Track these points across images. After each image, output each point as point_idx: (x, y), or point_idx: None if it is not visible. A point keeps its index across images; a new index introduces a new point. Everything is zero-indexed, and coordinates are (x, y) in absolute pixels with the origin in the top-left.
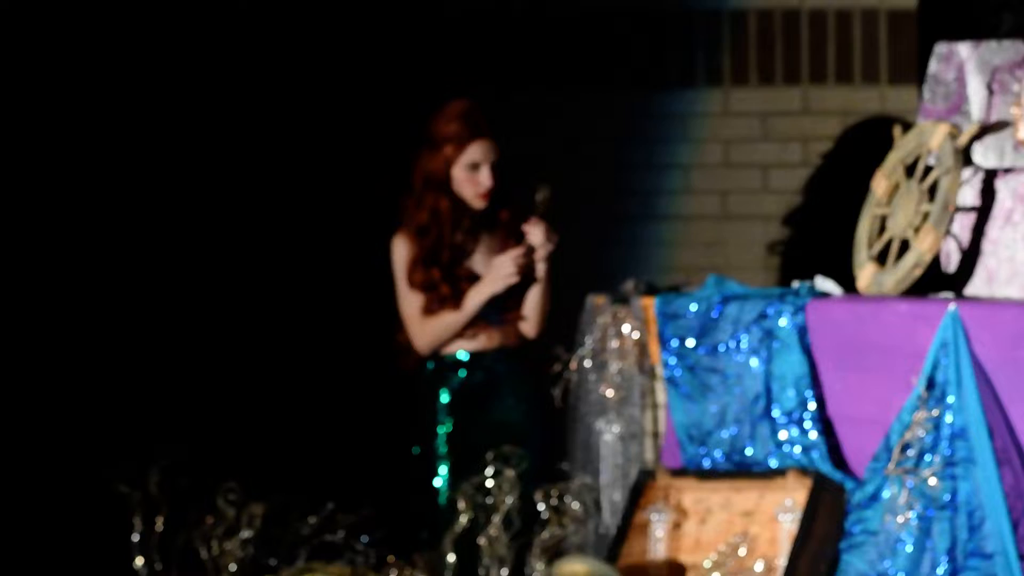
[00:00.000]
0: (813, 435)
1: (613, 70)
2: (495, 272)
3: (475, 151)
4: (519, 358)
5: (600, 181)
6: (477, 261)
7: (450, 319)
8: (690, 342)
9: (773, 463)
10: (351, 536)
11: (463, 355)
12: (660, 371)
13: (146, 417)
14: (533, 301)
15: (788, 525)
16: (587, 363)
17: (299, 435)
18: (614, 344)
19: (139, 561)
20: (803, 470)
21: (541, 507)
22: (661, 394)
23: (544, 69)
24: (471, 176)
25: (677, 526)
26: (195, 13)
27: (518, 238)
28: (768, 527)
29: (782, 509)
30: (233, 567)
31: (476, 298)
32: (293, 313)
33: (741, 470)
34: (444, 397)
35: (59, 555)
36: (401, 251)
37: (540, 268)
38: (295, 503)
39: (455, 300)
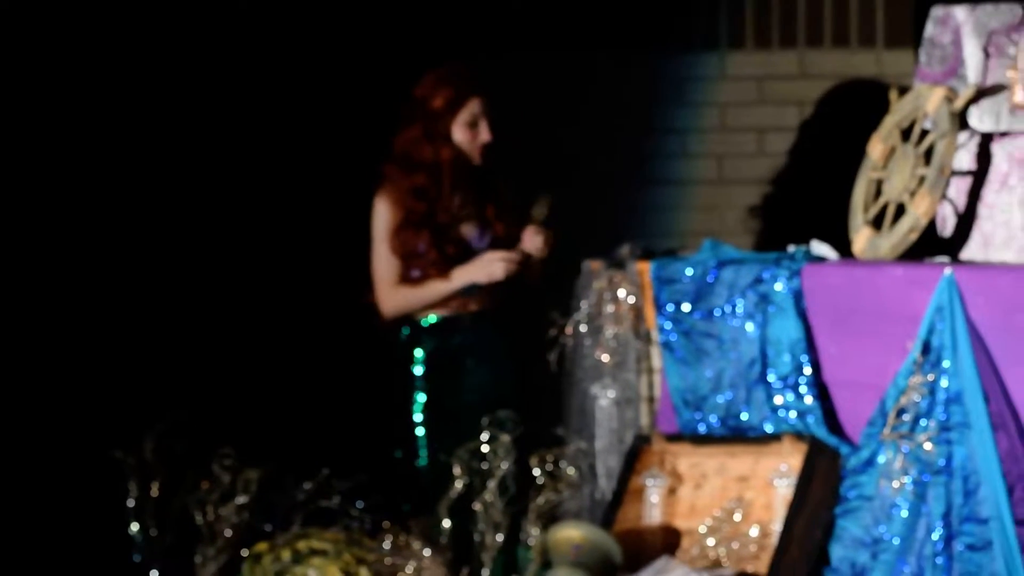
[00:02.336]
0: (808, 400)
1: (609, 33)
2: (484, 267)
3: (474, 106)
4: (493, 321)
5: (596, 145)
6: (467, 230)
7: (424, 292)
8: (686, 307)
9: (768, 428)
10: (346, 502)
11: (434, 319)
12: (656, 336)
13: (142, 383)
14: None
15: (783, 490)
16: (583, 328)
17: (294, 400)
18: (610, 309)
19: (135, 527)
20: (798, 435)
21: (536, 472)
22: (657, 359)
23: (540, 31)
24: (471, 132)
25: (672, 491)
26: (194, 13)
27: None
28: (763, 492)
29: (777, 474)
30: (228, 532)
31: (458, 281)
32: (285, 277)
33: (736, 435)
34: (418, 366)
35: (55, 521)
36: (383, 213)
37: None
38: (290, 469)
39: (439, 266)
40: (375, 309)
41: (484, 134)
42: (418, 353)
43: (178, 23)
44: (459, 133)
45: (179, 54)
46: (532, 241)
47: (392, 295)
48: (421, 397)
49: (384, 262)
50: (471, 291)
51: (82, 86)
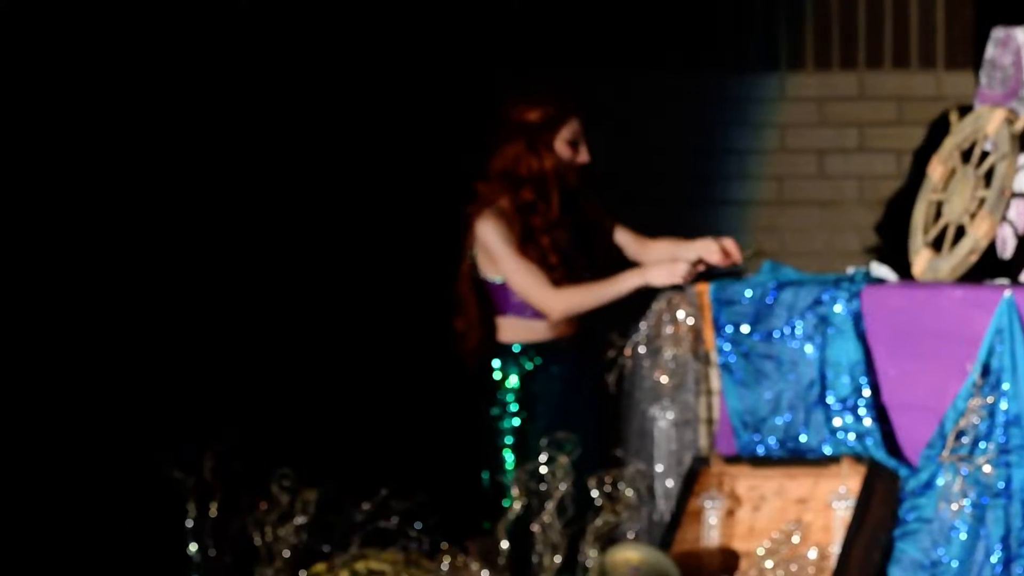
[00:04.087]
0: (867, 422)
1: (669, 53)
2: (668, 270)
3: (574, 125)
4: (579, 346)
5: (655, 166)
6: (566, 242)
7: (596, 292)
8: (745, 328)
9: (827, 450)
10: (405, 522)
11: (517, 347)
12: (714, 357)
13: (201, 403)
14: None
15: (842, 512)
16: (641, 349)
17: (353, 421)
18: (669, 330)
19: (193, 547)
20: (857, 457)
21: (595, 494)
22: (715, 380)
23: (600, 51)
24: (571, 151)
25: (731, 513)
26: (199, 12)
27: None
28: (822, 514)
29: (836, 496)
30: (286, 553)
31: (632, 282)
32: (349, 297)
33: (795, 457)
34: (510, 394)
35: (114, 541)
36: (499, 230)
37: None
38: (348, 489)
39: (561, 269)
40: (464, 334)
41: (583, 155)
42: (509, 381)
43: (179, 24)
44: (560, 151)
45: (182, 56)
46: (708, 248)
47: (557, 296)
48: (514, 421)
49: (526, 270)
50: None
51: (84, 91)
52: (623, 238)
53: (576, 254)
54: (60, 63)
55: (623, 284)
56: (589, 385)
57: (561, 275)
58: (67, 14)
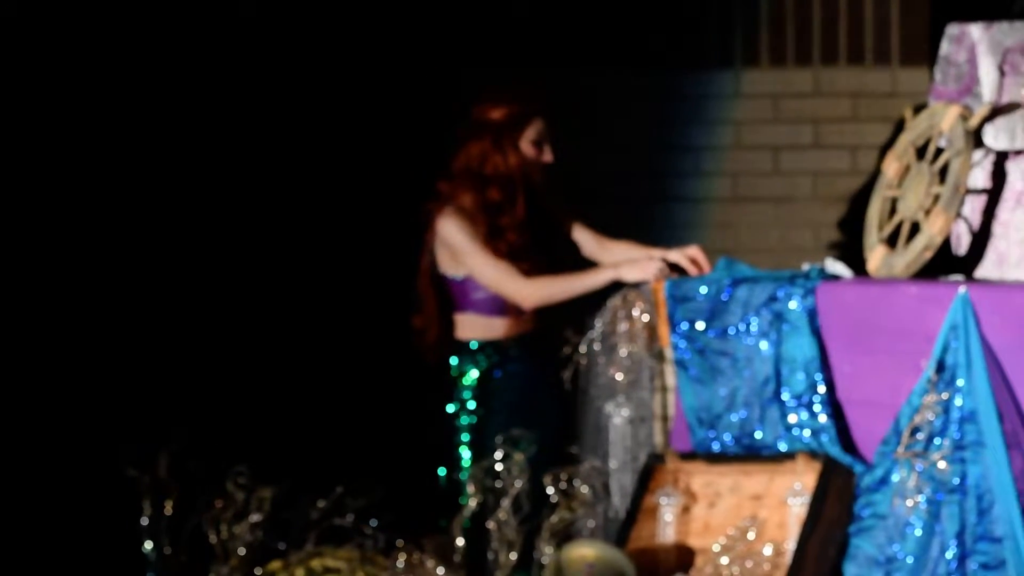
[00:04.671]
0: (823, 418)
1: (624, 51)
2: (641, 266)
3: (539, 125)
4: (537, 344)
5: (611, 162)
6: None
7: (569, 283)
8: (700, 325)
9: (782, 446)
10: (360, 520)
11: (475, 344)
12: (670, 354)
13: (155, 400)
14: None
15: (797, 509)
16: (596, 346)
17: (307, 418)
18: (624, 327)
19: (148, 545)
20: (812, 453)
21: (550, 491)
22: (671, 377)
23: (556, 49)
24: (536, 151)
25: (686, 510)
26: (200, 12)
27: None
28: (777, 511)
29: (791, 493)
30: (242, 551)
31: (605, 276)
32: (301, 295)
33: (750, 454)
34: (467, 391)
35: (68, 539)
36: (462, 227)
37: None
38: (304, 487)
39: (526, 267)
40: (423, 332)
41: (548, 154)
42: (470, 376)
43: (180, 24)
44: (526, 150)
45: (185, 58)
46: (682, 255)
47: (528, 285)
48: (468, 421)
49: (494, 264)
50: (512, 310)
51: (84, 91)
52: (581, 236)
53: (539, 252)
54: (63, 67)
55: (597, 278)
56: (547, 383)
57: (527, 272)
58: (71, 18)
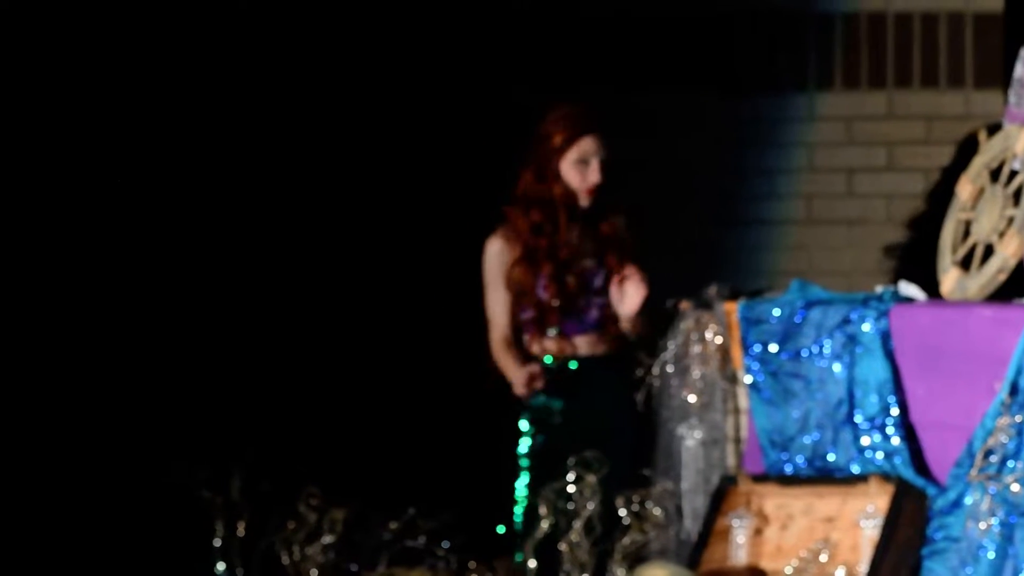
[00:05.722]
0: (896, 441)
1: (698, 74)
2: (518, 381)
3: (587, 144)
4: (609, 365)
5: (685, 185)
6: (588, 264)
7: (509, 367)
8: (773, 347)
9: (855, 469)
10: (432, 541)
11: (548, 359)
12: (742, 376)
13: (228, 420)
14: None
15: (870, 531)
16: (670, 368)
17: (380, 439)
18: (697, 349)
19: (221, 566)
20: (885, 476)
21: (622, 513)
22: (743, 399)
23: (629, 72)
24: (580, 171)
25: (759, 532)
26: (196, 14)
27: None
28: (850, 533)
29: (864, 515)
30: (315, 572)
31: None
32: (375, 316)
33: (823, 476)
34: (526, 415)
35: (141, 561)
36: (496, 252)
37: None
38: (376, 508)
39: (559, 299)
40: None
41: (593, 175)
42: (537, 397)
43: (181, 24)
44: (568, 171)
45: (185, 57)
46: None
47: (497, 350)
48: (528, 445)
49: (496, 306)
50: (582, 329)
51: (84, 91)
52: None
53: (598, 282)
54: (59, 63)
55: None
56: (618, 404)
57: (576, 298)
58: (66, 14)
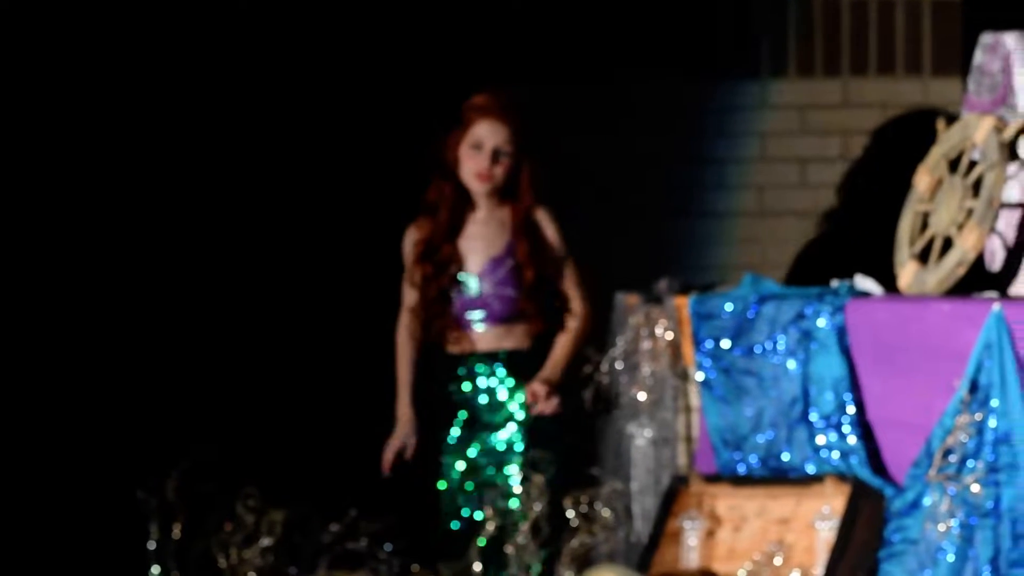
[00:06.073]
0: (852, 440)
1: (647, 60)
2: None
3: (480, 130)
4: (529, 360)
5: (632, 175)
6: (472, 254)
7: (399, 368)
8: (725, 343)
9: (810, 469)
10: (374, 544)
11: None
12: (694, 373)
13: (164, 420)
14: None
15: (826, 533)
16: (619, 365)
17: (319, 439)
18: (647, 345)
19: (155, 569)
20: (841, 476)
21: (570, 514)
22: (695, 397)
23: (575, 60)
24: (472, 156)
25: (711, 534)
26: (202, 12)
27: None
28: (805, 535)
29: (819, 516)
30: None
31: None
32: (313, 315)
33: (777, 476)
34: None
35: (74, 562)
36: (407, 242)
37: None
38: (316, 509)
39: (439, 302)
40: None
41: (482, 161)
42: (451, 392)
43: (181, 24)
44: (463, 156)
45: (184, 56)
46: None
47: (399, 331)
48: (455, 435)
49: (405, 294)
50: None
51: (84, 91)
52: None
53: (495, 277)
54: (59, 62)
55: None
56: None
57: (448, 301)
58: (66, 14)
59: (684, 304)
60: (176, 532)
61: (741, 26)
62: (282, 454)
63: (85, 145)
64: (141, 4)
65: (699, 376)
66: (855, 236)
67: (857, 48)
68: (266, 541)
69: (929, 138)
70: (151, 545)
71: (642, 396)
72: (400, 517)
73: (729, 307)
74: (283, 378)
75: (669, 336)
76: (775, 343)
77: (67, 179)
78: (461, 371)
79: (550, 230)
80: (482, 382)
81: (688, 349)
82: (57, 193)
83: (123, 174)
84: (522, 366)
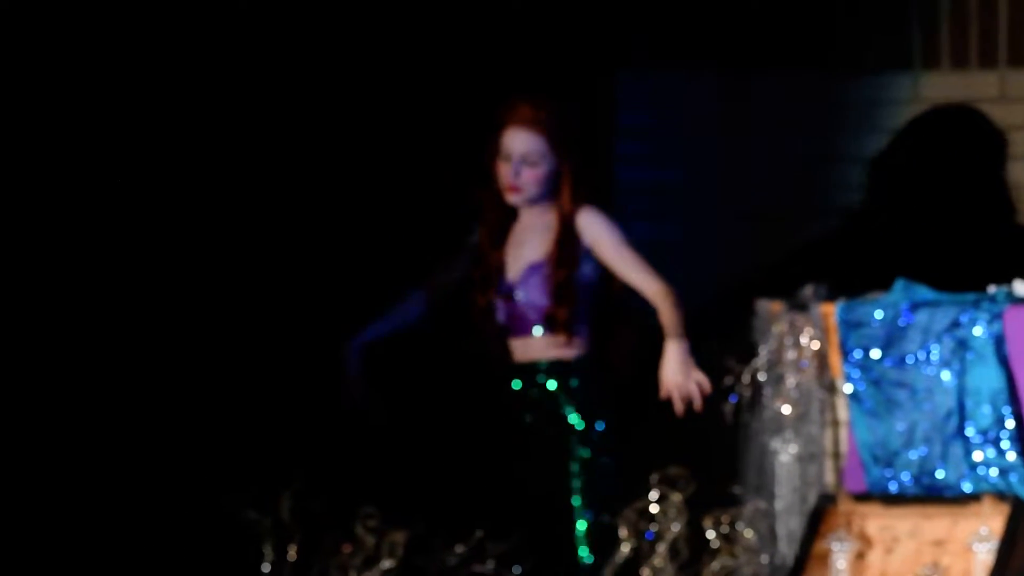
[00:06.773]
0: (1011, 456)
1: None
2: None
3: (506, 139)
4: (578, 371)
5: (776, 174)
6: (513, 262)
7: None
8: (875, 353)
9: (967, 487)
10: (501, 566)
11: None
12: (842, 385)
13: (278, 438)
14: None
15: (983, 556)
16: (761, 376)
17: (444, 458)
18: (791, 355)
19: None
20: (1000, 495)
21: (711, 535)
22: (843, 410)
23: (717, 51)
24: (502, 168)
25: (861, 556)
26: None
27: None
28: (961, 558)
29: (977, 538)
30: None
31: None
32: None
33: (931, 495)
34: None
35: None
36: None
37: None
38: (440, 530)
39: (486, 314)
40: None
41: (506, 175)
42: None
43: (181, 24)
44: (497, 166)
45: (186, 57)
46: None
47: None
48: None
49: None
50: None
51: (84, 91)
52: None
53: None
54: (57, 62)
55: None
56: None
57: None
58: (66, 14)
59: (831, 311)
60: (292, 554)
61: (891, 17)
62: (403, 471)
63: (85, 145)
64: (141, 4)
65: (847, 388)
66: (1012, 237)
67: (1016, 38)
68: (387, 563)
69: None
70: (265, 568)
71: (787, 409)
72: (528, 537)
73: (879, 315)
74: (407, 393)
75: (815, 346)
76: (928, 353)
77: (68, 179)
78: (516, 384)
79: (595, 231)
80: (535, 392)
81: (835, 359)
82: (67, 195)
83: (122, 174)
84: (567, 376)
